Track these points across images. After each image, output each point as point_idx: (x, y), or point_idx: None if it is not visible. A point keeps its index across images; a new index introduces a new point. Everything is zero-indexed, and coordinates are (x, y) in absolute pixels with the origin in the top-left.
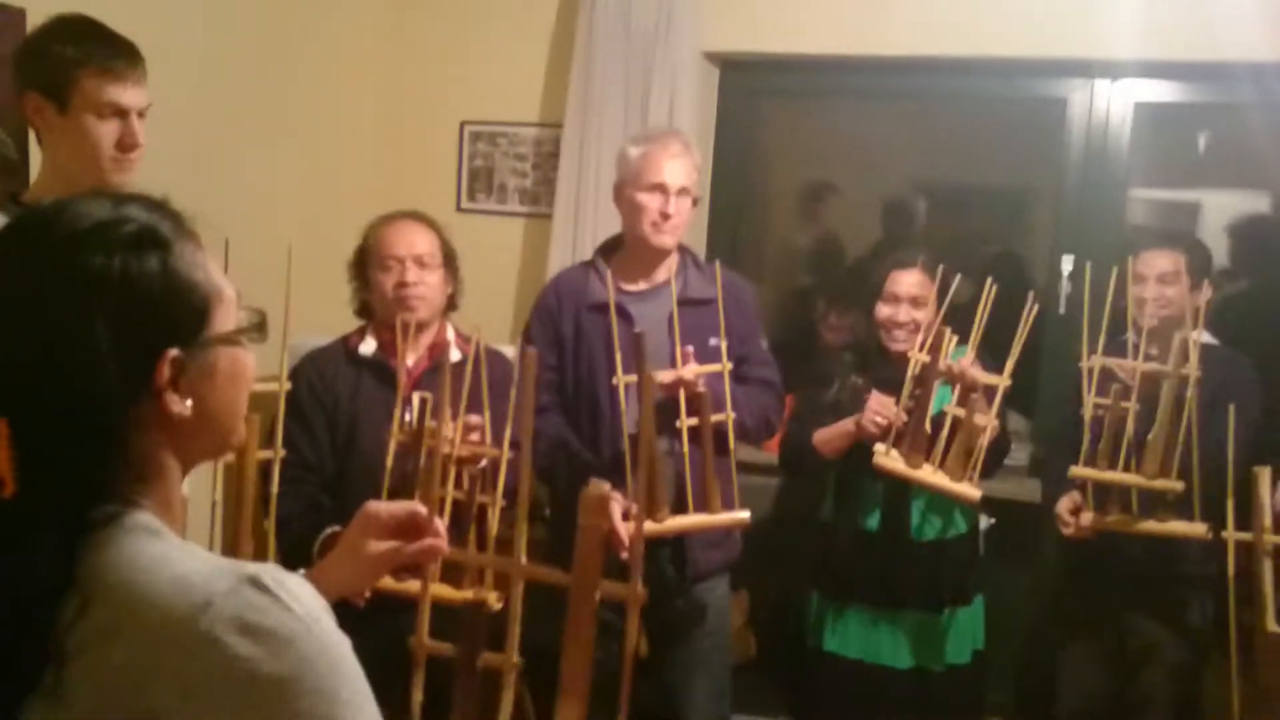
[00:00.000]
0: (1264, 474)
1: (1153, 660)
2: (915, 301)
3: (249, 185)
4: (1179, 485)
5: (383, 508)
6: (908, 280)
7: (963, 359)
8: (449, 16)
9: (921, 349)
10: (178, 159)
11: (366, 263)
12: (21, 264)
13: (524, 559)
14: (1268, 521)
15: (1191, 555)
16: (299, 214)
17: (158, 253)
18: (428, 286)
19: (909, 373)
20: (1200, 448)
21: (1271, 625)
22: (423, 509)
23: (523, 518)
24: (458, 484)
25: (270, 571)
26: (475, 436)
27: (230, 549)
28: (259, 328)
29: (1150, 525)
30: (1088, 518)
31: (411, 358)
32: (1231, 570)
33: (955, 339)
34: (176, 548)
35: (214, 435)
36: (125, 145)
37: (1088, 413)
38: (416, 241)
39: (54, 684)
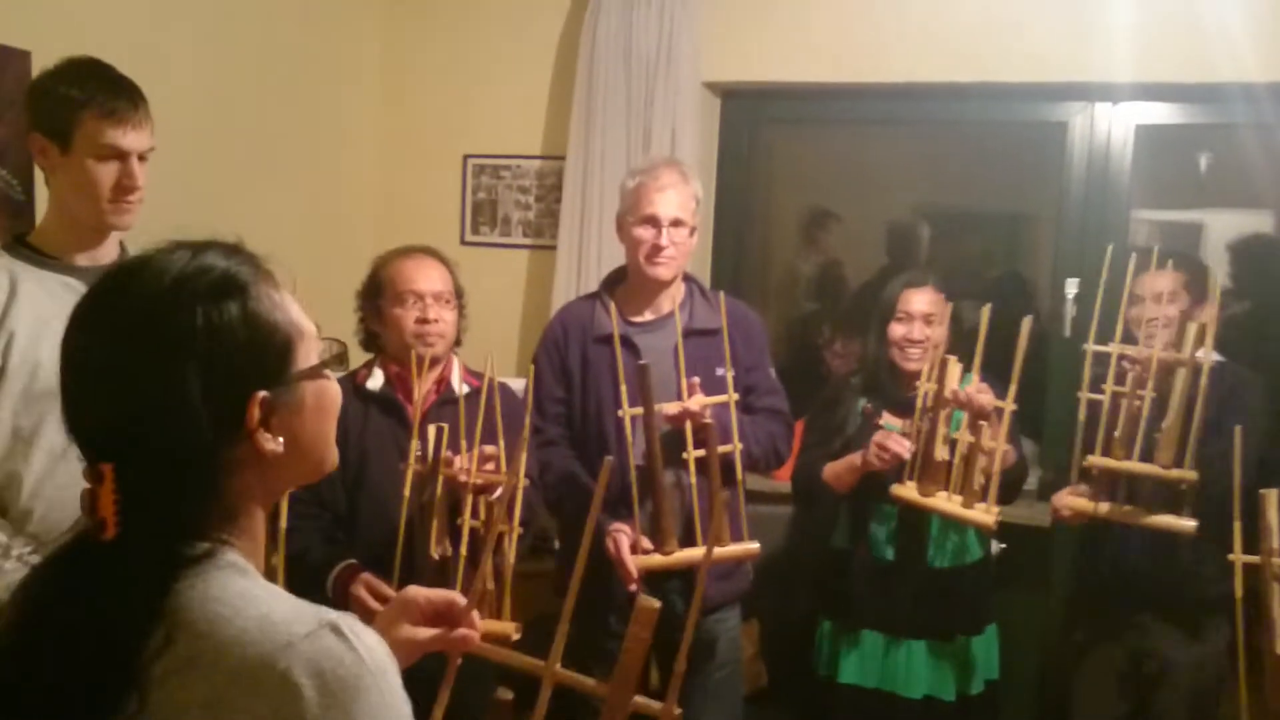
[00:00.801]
0: (1271, 496)
1: (1168, 682)
2: (929, 319)
3: (254, 222)
4: (1193, 475)
5: (421, 594)
6: (921, 298)
7: (969, 385)
8: (450, 51)
9: (927, 378)
10: (182, 197)
11: (380, 295)
12: (111, 326)
13: (559, 665)
14: (1275, 544)
15: (1205, 575)
16: (304, 250)
17: (238, 299)
18: (446, 323)
19: (918, 403)
20: (1205, 451)
21: (1279, 648)
22: (462, 599)
23: (565, 618)
24: (474, 513)
25: (348, 621)
26: (490, 466)
27: None
28: (340, 358)
29: (1142, 518)
30: (1079, 502)
31: (419, 391)
32: (1240, 593)
33: (960, 366)
34: (262, 587)
35: (306, 466)
36: (123, 188)
37: (1084, 397)
38: (435, 278)
39: (136, 711)
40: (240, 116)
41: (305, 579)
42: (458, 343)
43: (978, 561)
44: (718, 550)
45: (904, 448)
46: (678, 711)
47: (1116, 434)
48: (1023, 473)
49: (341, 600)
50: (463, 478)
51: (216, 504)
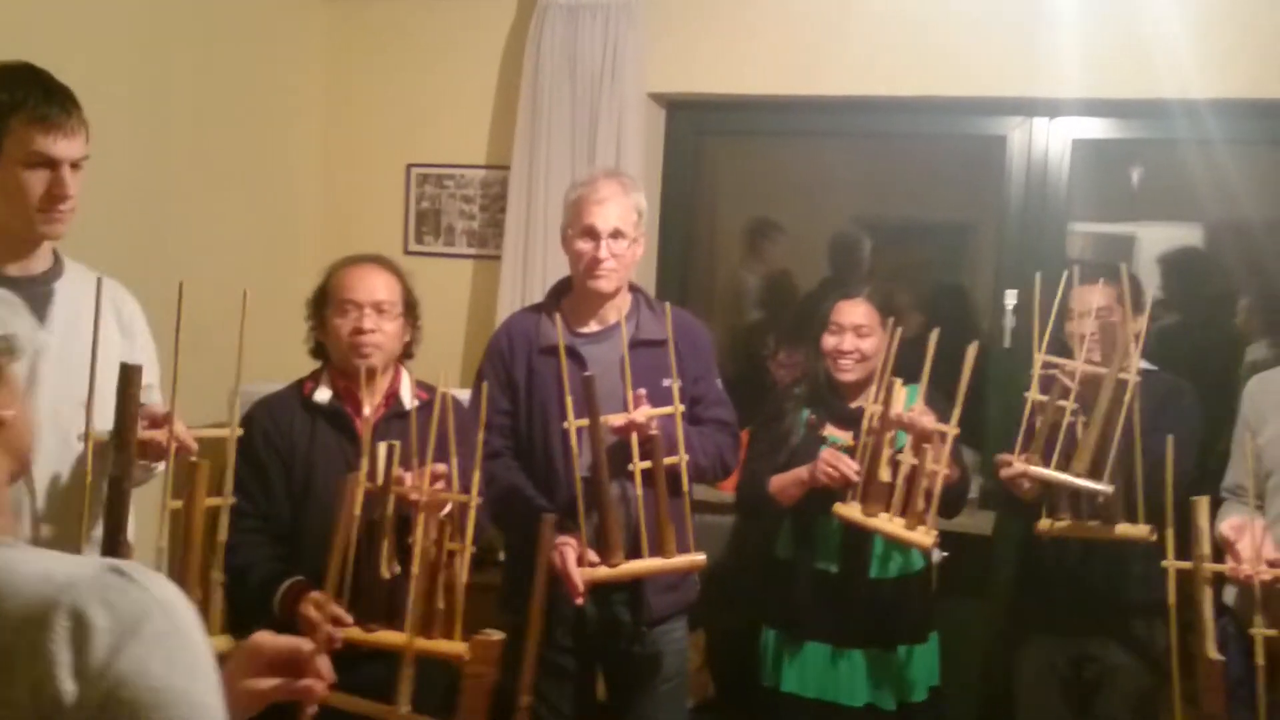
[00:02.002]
0: (1202, 504)
1: (1109, 686)
2: (859, 330)
3: (195, 231)
4: (1108, 488)
5: (267, 641)
6: (852, 310)
7: (913, 407)
8: (394, 58)
9: (873, 399)
10: (122, 207)
11: (320, 306)
12: None
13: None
14: (1206, 550)
15: (1144, 580)
16: (246, 259)
17: None
18: (384, 335)
19: (863, 424)
20: (1144, 460)
21: (1212, 652)
22: (308, 646)
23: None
24: (425, 532)
25: (133, 564)
26: (440, 485)
27: None
28: (10, 350)
29: (1096, 529)
30: (1019, 464)
31: (368, 406)
32: (1173, 598)
33: (901, 383)
34: (35, 552)
35: (26, 439)
36: (54, 196)
37: (1027, 408)
38: (377, 288)
39: None
40: (180, 124)
41: (249, 596)
42: (408, 355)
43: (919, 571)
44: (664, 562)
45: (852, 469)
46: None
47: (1034, 442)
48: (966, 487)
49: (288, 619)
50: (414, 496)
51: None
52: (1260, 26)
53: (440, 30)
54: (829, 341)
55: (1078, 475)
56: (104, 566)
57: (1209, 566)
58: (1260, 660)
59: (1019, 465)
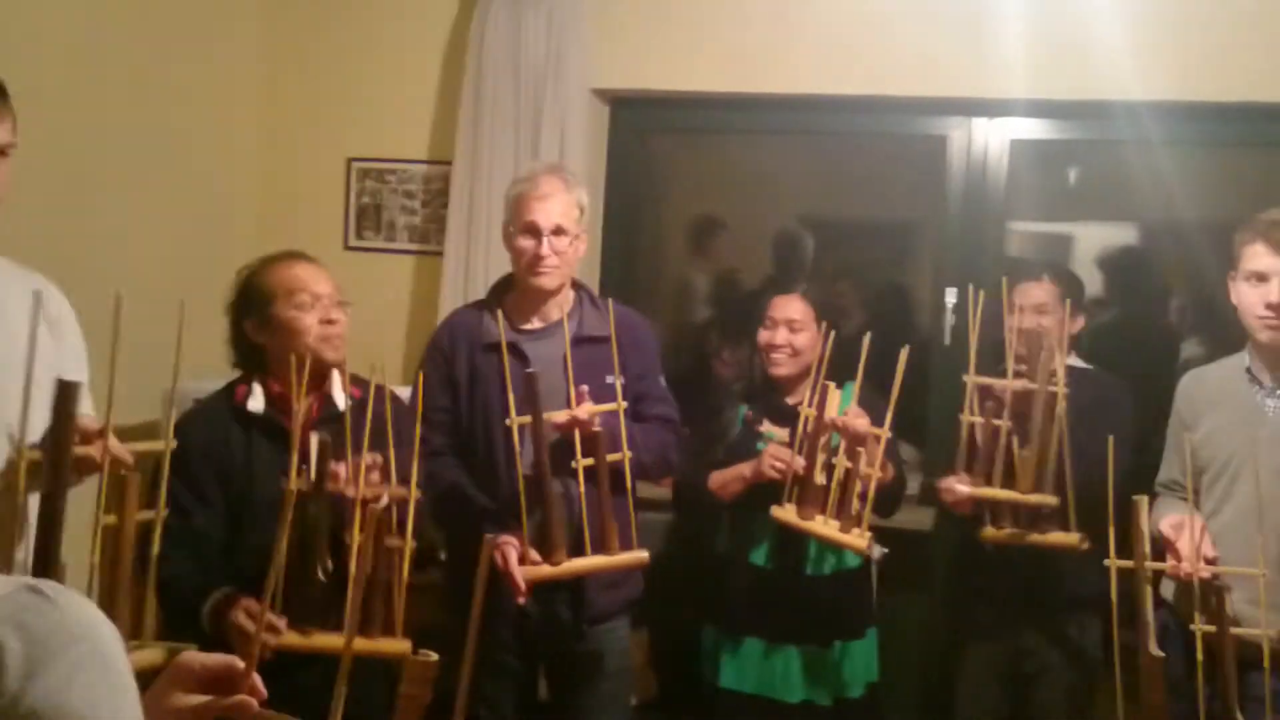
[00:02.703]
0: (1143, 503)
1: (1046, 681)
2: (792, 325)
3: (127, 225)
4: (1053, 500)
5: (196, 659)
6: (786, 305)
7: (848, 410)
8: (333, 49)
9: (807, 403)
10: (52, 200)
11: (269, 304)
12: None
13: None
14: (1147, 548)
15: (1079, 576)
16: (181, 255)
17: None
18: (342, 326)
19: (798, 427)
20: (1073, 464)
21: (1153, 648)
22: (240, 663)
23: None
24: (361, 528)
25: (49, 584)
26: (375, 476)
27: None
28: None
29: (1033, 537)
30: (978, 489)
31: (300, 405)
32: (1115, 595)
33: (835, 386)
34: None
35: None
36: None
37: (964, 430)
38: (327, 280)
39: None
40: (114, 117)
41: (178, 608)
42: None
43: (856, 569)
44: (607, 559)
45: (798, 462)
46: None
47: (977, 464)
48: (901, 487)
49: (218, 630)
50: (349, 492)
51: None
52: (1195, 30)
53: (382, 22)
54: (763, 336)
55: (1022, 493)
56: (19, 586)
57: (1150, 565)
58: (1200, 656)
59: (965, 489)
